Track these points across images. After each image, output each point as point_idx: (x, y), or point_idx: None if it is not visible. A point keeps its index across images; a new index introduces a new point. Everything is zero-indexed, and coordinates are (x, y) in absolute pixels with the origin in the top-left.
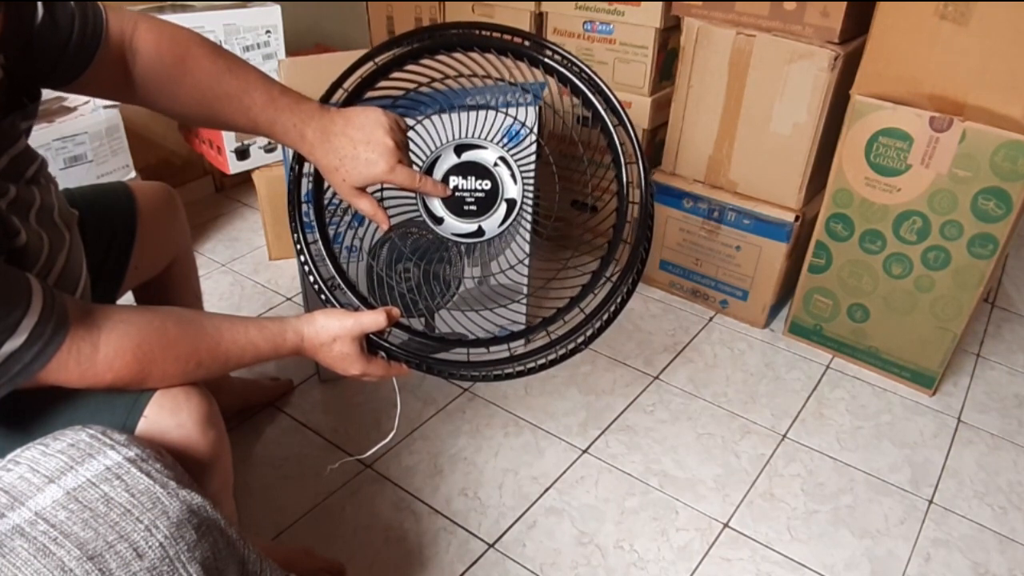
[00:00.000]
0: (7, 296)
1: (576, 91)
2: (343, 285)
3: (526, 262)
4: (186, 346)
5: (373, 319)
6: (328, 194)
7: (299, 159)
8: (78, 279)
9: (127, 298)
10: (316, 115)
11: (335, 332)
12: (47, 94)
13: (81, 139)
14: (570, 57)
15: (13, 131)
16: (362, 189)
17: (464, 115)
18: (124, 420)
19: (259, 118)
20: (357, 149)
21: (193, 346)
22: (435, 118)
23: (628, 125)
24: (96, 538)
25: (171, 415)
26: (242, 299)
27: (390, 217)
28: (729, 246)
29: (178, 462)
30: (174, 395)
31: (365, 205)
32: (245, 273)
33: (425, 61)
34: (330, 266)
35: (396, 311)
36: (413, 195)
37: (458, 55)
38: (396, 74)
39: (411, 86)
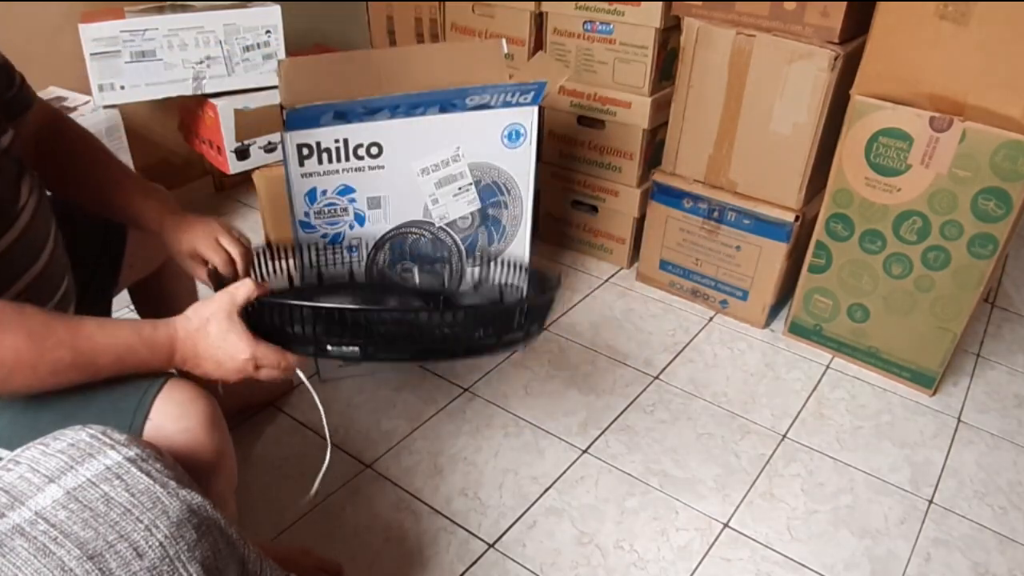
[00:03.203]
0: None
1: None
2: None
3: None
4: (43, 329)
5: (242, 286)
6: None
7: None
8: (59, 285)
9: (123, 297)
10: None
11: (207, 312)
12: (47, 92)
13: None
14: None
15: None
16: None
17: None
18: (130, 423)
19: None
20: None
21: (51, 330)
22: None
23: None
24: (96, 538)
25: (176, 419)
26: None
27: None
28: (729, 246)
29: (185, 465)
30: (179, 398)
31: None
32: None
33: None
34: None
35: (262, 283)
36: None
37: None
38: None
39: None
